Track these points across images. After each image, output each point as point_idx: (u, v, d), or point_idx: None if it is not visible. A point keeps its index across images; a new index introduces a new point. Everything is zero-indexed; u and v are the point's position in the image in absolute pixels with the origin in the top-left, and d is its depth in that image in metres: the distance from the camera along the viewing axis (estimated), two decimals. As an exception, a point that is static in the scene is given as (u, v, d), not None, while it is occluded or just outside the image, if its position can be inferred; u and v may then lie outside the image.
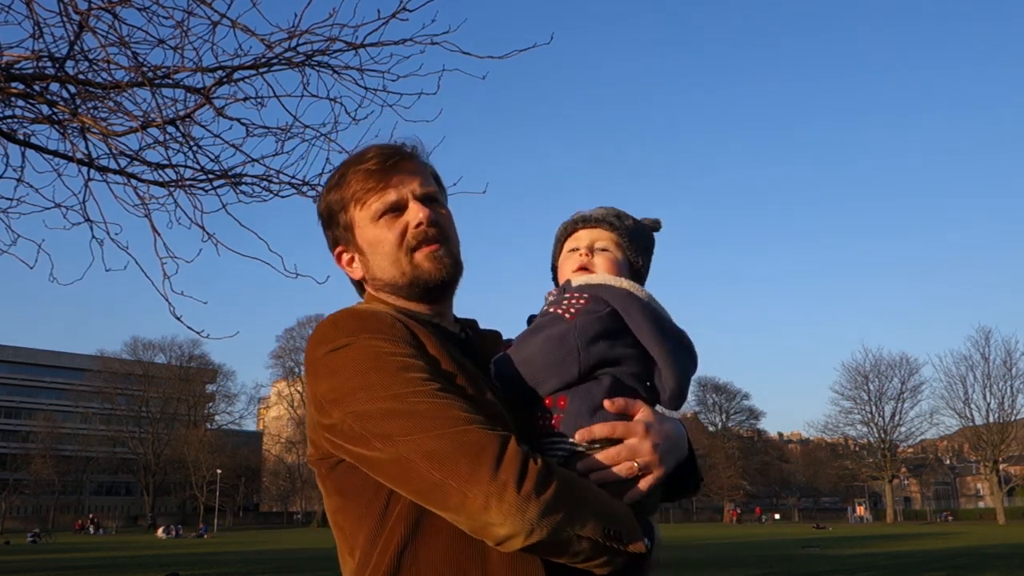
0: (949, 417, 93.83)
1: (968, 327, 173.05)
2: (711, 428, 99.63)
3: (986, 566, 19.29)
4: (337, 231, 1.58)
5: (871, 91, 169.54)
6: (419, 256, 1.50)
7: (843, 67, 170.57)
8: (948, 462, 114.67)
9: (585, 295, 1.46)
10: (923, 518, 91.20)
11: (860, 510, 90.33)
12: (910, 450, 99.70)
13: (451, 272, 1.52)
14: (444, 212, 1.57)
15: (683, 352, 1.46)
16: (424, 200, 1.52)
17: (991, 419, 75.83)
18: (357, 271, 1.58)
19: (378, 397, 1.27)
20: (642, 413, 1.39)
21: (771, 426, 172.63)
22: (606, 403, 1.37)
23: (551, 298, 1.52)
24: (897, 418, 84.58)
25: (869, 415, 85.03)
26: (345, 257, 1.59)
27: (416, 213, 1.50)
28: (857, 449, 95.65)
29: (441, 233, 1.52)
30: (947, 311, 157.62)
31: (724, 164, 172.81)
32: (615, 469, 1.32)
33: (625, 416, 1.37)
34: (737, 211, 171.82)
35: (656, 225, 1.68)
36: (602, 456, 1.33)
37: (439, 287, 1.52)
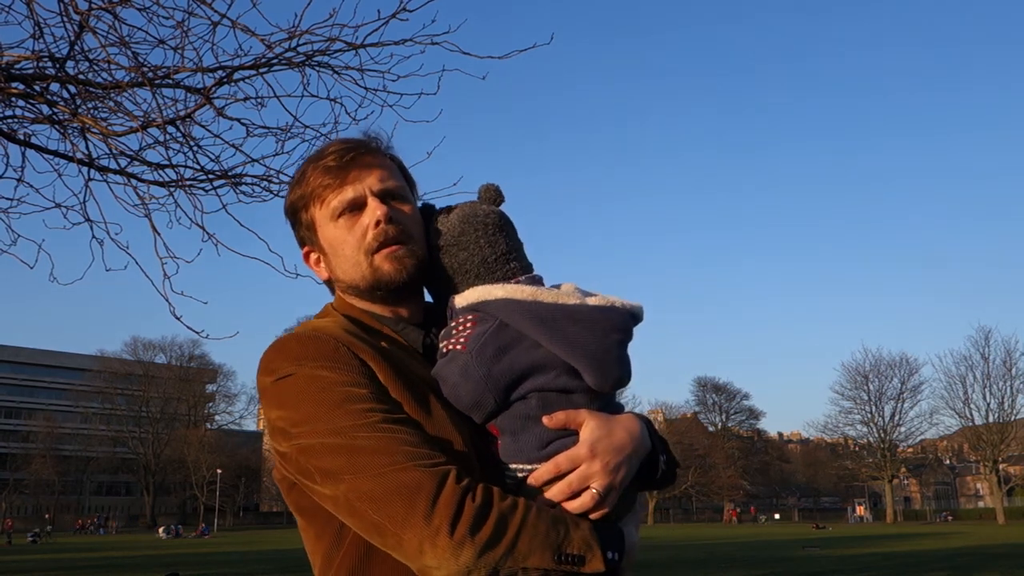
0: (949, 417, 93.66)
1: (968, 327, 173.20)
2: (711, 428, 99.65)
3: (986, 566, 19.29)
4: (301, 231, 1.52)
5: (870, 90, 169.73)
6: (378, 258, 1.42)
7: (842, 60, 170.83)
8: (948, 462, 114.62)
9: (470, 317, 1.38)
10: (923, 518, 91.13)
11: (860, 510, 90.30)
12: (910, 450, 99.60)
13: (412, 273, 1.43)
14: (407, 209, 1.48)
15: (579, 329, 1.33)
16: (383, 196, 1.44)
17: (991, 419, 75.74)
18: (324, 272, 1.53)
19: (319, 431, 1.23)
20: (586, 427, 1.31)
21: (771, 426, 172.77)
22: (544, 420, 1.30)
23: (443, 331, 1.43)
24: (897, 418, 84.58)
25: (869, 415, 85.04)
26: (312, 257, 1.54)
27: (374, 211, 1.42)
28: (857, 449, 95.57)
29: (403, 232, 1.43)
30: (947, 311, 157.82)
31: (724, 163, 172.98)
32: (576, 502, 1.26)
33: (568, 432, 1.30)
34: (737, 211, 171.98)
35: (491, 197, 1.48)
36: (554, 493, 1.27)
37: (401, 289, 1.44)
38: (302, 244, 1.54)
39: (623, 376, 1.37)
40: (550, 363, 1.33)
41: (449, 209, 1.48)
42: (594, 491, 1.27)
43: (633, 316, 1.41)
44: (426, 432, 1.27)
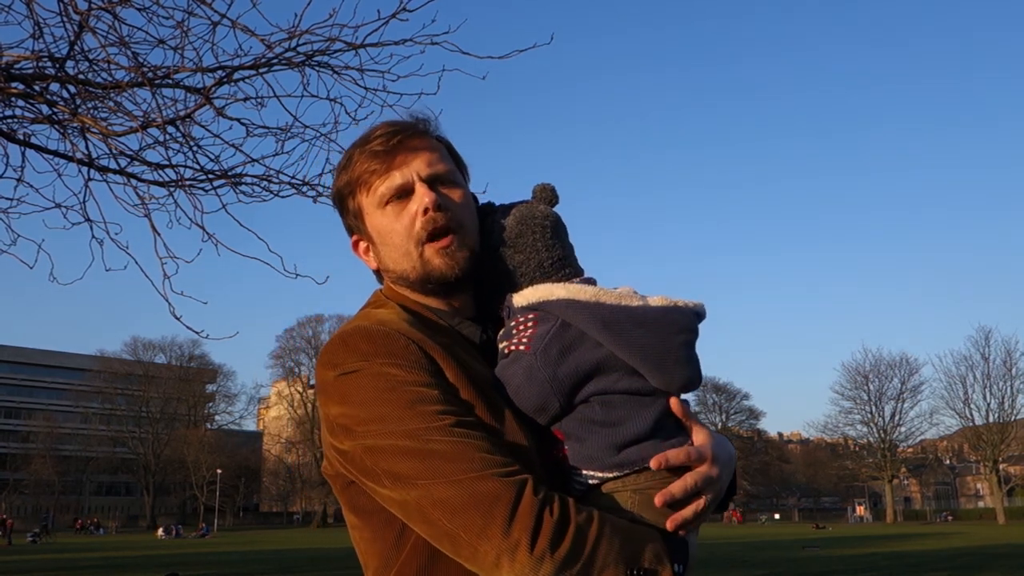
0: (949, 417, 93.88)
1: (968, 327, 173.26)
2: (711, 428, 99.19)
3: (986, 566, 19.29)
4: (349, 218, 1.46)
5: (870, 91, 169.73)
6: (429, 251, 1.36)
7: (842, 66, 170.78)
8: (948, 462, 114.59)
9: (531, 316, 1.34)
10: (923, 518, 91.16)
11: (860, 510, 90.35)
12: (910, 450, 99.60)
13: (464, 267, 1.37)
14: (458, 194, 1.41)
15: (643, 332, 1.29)
16: (432, 181, 1.38)
17: (991, 419, 75.77)
18: (372, 261, 1.47)
19: (390, 432, 1.19)
20: (699, 432, 1.30)
21: (771, 426, 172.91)
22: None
23: (502, 331, 1.39)
24: (897, 418, 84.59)
25: (869, 415, 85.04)
26: (361, 246, 1.48)
27: (421, 199, 1.35)
28: (857, 449, 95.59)
29: (453, 220, 1.37)
30: (947, 311, 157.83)
31: (724, 164, 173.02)
32: (693, 505, 1.23)
33: (641, 437, 1.27)
34: (737, 211, 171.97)
35: (547, 197, 1.45)
36: (678, 487, 1.23)
37: (453, 284, 1.38)
38: (350, 232, 1.49)
39: (692, 377, 1.33)
40: (613, 364, 1.29)
41: (506, 208, 1.43)
42: (706, 499, 1.24)
43: (697, 315, 1.38)
44: (498, 436, 1.23)
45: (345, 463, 1.27)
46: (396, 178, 1.37)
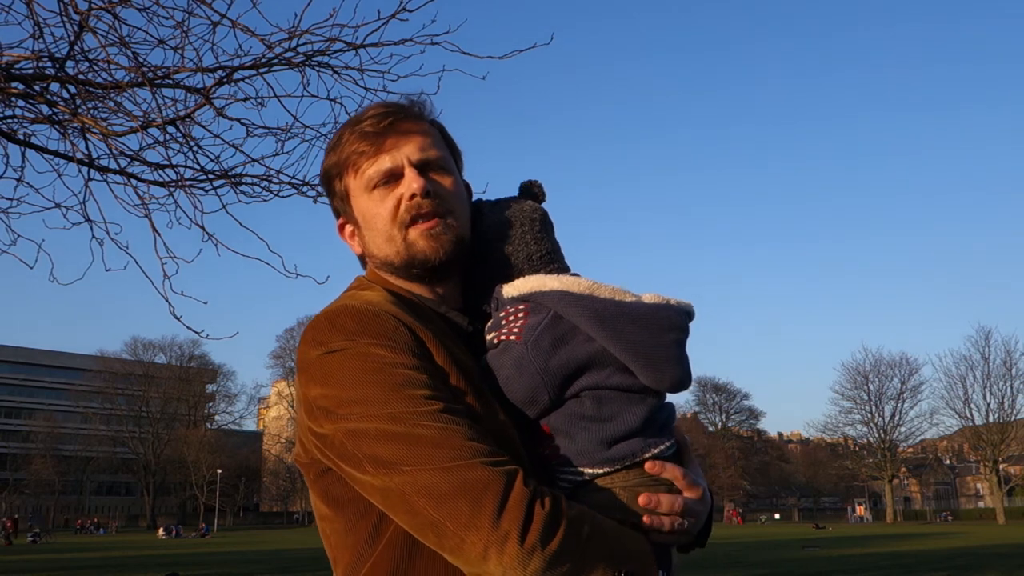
0: (949, 417, 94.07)
1: (968, 327, 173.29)
2: (711, 428, 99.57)
3: (986, 566, 19.28)
4: (335, 201, 1.42)
5: (870, 90, 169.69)
6: (413, 233, 1.32)
7: (842, 65, 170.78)
8: (948, 462, 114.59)
9: (521, 307, 1.32)
10: (923, 518, 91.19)
11: (860, 510, 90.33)
12: (910, 450, 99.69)
13: (450, 251, 1.32)
14: (448, 181, 1.37)
15: (636, 328, 1.27)
16: (422, 167, 1.34)
17: (991, 419, 75.89)
18: (357, 246, 1.42)
19: (373, 415, 1.13)
20: (694, 464, 1.33)
21: (771, 426, 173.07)
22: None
23: (491, 322, 1.37)
24: (897, 418, 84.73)
25: (869, 415, 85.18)
26: (347, 229, 1.43)
27: (410, 183, 1.31)
28: (857, 449, 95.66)
29: (441, 206, 1.33)
30: (947, 311, 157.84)
31: (724, 163, 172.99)
32: (667, 519, 1.22)
33: (632, 433, 1.27)
34: (737, 211, 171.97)
35: (533, 190, 1.46)
36: (666, 501, 1.23)
37: (438, 268, 1.34)
38: (336, 215, 1.44)
39: (683, 377, 1.30)
40: (605, 359, 1.26)
41: (494, 204, 1.43)
42: (684, 523, 1.24)
43: (688, 314, 1.35)
44: (487, 425, 1.18)
45: (323, 448, 1.20)
46: (385, 162, 1.33)
